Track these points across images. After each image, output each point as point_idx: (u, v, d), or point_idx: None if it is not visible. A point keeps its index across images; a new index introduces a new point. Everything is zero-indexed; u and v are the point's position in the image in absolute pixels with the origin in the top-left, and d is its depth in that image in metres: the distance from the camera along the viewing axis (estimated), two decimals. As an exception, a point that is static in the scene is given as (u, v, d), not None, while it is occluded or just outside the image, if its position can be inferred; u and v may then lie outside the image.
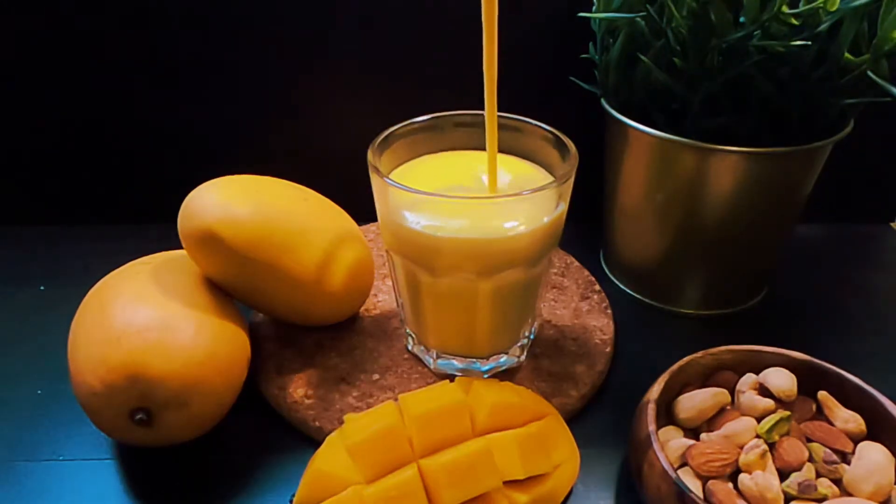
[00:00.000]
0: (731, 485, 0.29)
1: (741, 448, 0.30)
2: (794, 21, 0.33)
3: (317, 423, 0.35)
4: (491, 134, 0.33)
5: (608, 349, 0.40)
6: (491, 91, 0.32)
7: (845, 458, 0.30)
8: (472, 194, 0.33)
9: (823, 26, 0.34)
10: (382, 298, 0.45)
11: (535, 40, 0.48)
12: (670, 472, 0.28)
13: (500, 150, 0.37)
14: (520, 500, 0.30)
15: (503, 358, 0.38)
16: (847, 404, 0.32)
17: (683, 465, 0.30)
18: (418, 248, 0.33)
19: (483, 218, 0.32)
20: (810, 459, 0.30)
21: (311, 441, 0.35)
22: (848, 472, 0.29)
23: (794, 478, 0.29)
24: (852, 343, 0.43)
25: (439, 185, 0.35)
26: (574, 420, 0.37)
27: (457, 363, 0.38)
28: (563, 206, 0.34)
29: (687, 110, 0.38)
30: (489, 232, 0.32)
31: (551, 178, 0.36)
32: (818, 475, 0.29)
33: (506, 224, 0.32)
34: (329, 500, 0.29)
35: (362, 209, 0.40)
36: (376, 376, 0.38)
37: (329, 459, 0.30)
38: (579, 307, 0.44)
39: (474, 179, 0.35)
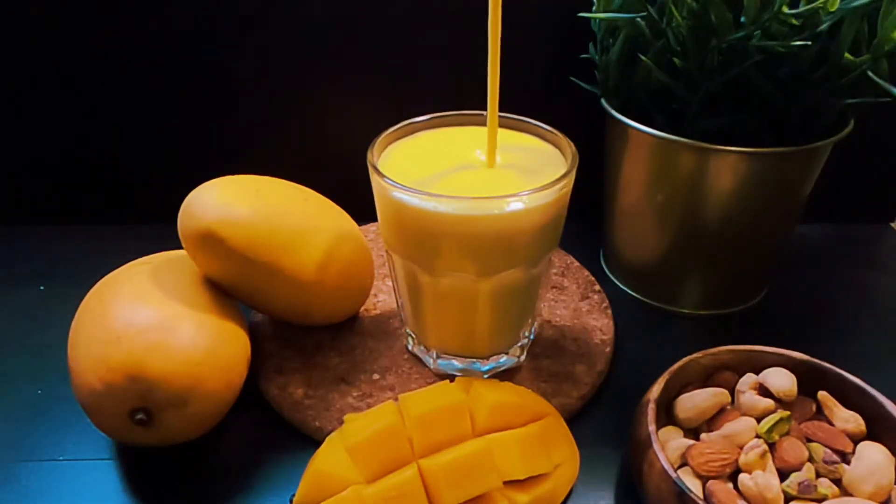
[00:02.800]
0: (731, 485, 0.29)
1: (741, 448, 0.30)
2: (794, 21, 0.33)
3: (317, 423, 0.35)
4: (492, 102, 0.33)
5: (608, 349, 0.40)
6: (494, 50, 0.32)
7: (845, 458, 0.30)
8: (473, 193, 0.32)
9: (823, 26, 0.34)
10: (382, 298, 0.45)
11: (535, 40, 0.48)
12: (670, 472, 0.28)
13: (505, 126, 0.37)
14: (520, 500, 0.30)
15: (503, 358, 0.38)
16: (847, 404, 0.32)
17: (683, 465, 0.30)
18: (419, 234, 0.33)
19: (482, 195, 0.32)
20: (810, 459, 0.30)
21: (311, 441, 0.35)
22: (848, 472, 0.29)
23: (794, 478, 0.29)
24: (852, 343, 0.43)
25: (439, 163, 0.35)
26: (574, 420, 0.37)
27: (457, 363, 0.38)
28: (565, 195, 0.33)
29: (687, 110, 0.38)
30: (488, 209, 0.31)
31: (555, 151, 0.36)
32: (818, 475, 0.29)
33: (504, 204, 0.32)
34: (329, 500, 0.29)
35: (362, 209, 0.40)
36: (376, 376, 0.38)
37: (329, 459, 0.30)
38: (579, 307, 0.44)
39: (473, 157, 0.35)
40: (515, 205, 0.31)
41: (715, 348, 0.34)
